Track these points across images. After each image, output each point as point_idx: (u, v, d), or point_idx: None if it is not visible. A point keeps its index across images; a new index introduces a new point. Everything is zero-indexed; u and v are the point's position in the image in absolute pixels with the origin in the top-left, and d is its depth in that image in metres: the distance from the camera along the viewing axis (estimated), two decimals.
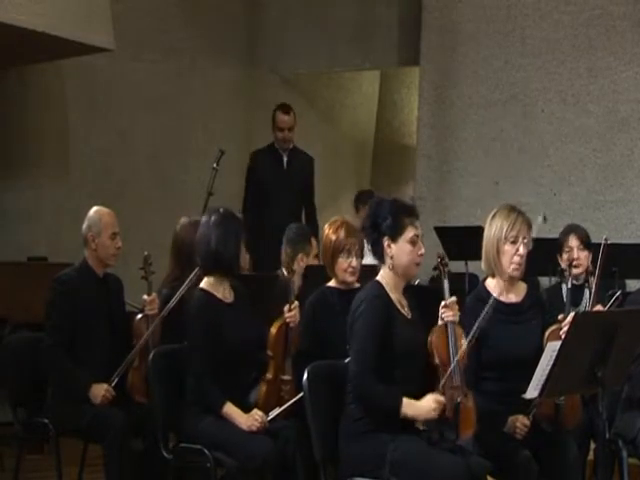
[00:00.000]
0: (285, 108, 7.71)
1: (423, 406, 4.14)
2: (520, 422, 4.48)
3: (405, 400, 4.13)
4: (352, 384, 4.19)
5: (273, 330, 4.84)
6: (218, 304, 4.71)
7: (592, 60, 8.82)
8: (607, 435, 4.54)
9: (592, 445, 5.20)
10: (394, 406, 4.13)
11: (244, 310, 4.79)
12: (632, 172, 8.46)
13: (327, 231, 5.04)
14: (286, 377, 4.83)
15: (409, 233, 4.26)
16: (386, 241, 4.27)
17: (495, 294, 4.64)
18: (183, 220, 5.54)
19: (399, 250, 4.26)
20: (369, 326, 4.18)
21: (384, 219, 4.28)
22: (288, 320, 4.86)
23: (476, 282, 5.46)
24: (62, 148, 8.81)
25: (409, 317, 4.32)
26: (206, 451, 4.51)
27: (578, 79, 8.84)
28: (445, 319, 4.32)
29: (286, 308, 4.89)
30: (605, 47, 8.73)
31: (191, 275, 5.17)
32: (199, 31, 9.74)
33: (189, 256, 5.19)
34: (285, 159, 7.93)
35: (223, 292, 4.76)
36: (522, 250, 4.58)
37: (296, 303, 4.91)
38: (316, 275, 5.27)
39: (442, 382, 4.27)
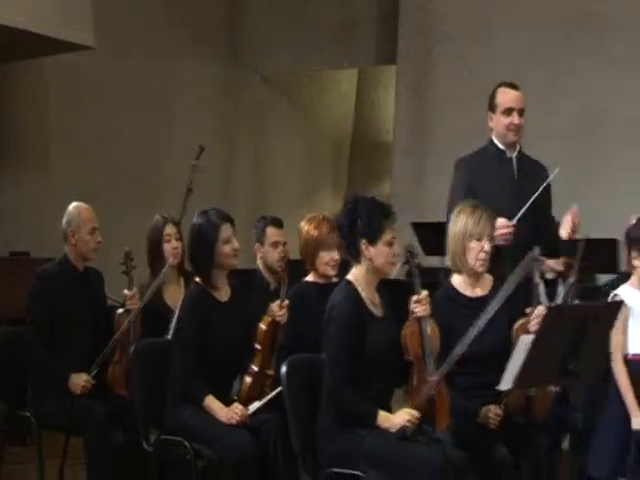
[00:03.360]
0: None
1: (397, 422, 4.14)
2: (493, 412, 4.49)
3: (380, 414, 4.15)
4: (328, 394, 4.20)
5: (263, 326, 4.82)
6: (211, 300, 4.68)
7: (564, 60, 8.89)
8: (579, 425, 4.57)
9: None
10: (368, 419, 4.14)
11: (237, 310, 4.76)
12: (600, 169, 8.58)
13: (308, 227, 5.04)
14: (270, 372, 4.82)
15: (387, 236, 4.24)
16: (363, 243, 4.24)
17: (461, 290, 4.69)
18: (156, 218, 5.52)
19: (377, 252, 4.25)
20: (342, 334, 4.17)
21: (362, 220, 4.24)
22: (278, 319, 4.84)
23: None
24: (44, 145, 8.80)
25: (380, 315, 4.32)
26: (186, 443, 4.49)
27: (551, 78, 8.90)
28: (416, 314, 4.31)
29: (275, 306, 4.86)
30: (577, 47, 8.81)
31: (163, 270, 5.20)
32: (181, 31, 9.75)
33: (159, 252, 5.26)
34: None
35: (219, 290, 4.73)
36: (487, 247, 4.60)
37: (286, 302, 4.88)
38: (296, 270, 5.26)
39: (416, 376, 4.28)
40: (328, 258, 4.96)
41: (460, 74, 9.33)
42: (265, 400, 4.68)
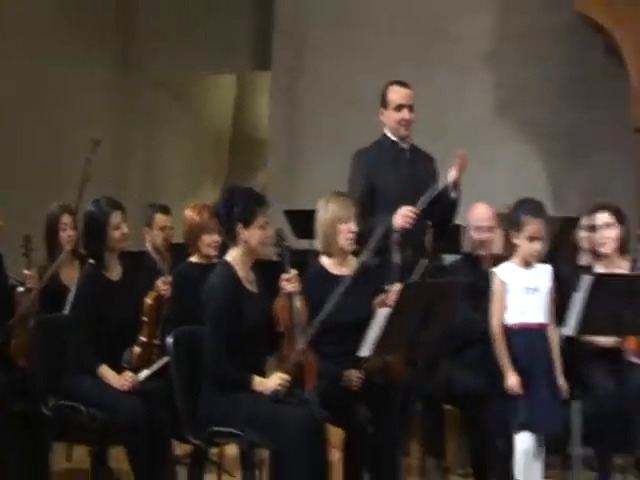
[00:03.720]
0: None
1: (270, 385, 4.12)
2: (355, 376, 4.53)
3: (255, 379, 4.14)
4: (209, 362, 4.17)
5: (149, 300, 4.77)
6: (104, 280, 4.63)
7: (418, 68, 9.03)
8: (428, 386, 4.63)
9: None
10: (245, 384, 4.13)
11: (127, 287, 4.70)
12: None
13: (191, 213, 5.03)
14: (156, 342, 4.77)
15: (260, 220, 4.25)
16: (239, 227, 4.24)
17: (329, 269, 4.73)
18: (53, 206, 5.42)
19: (251, 235, 4.24)
20: (220, 310, 4.15)
21: (238, 207, 4.25)
22: (163, 293, 4.80)
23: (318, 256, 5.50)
24: None
25: (255, 292, 4.31)
26: (82, 408, 4.42)
27: (413, 82, 9.02)
28: (287, 290, 4.31)
29: (160, 282, 4.82)
30: (430, 56, 8.96)
31: (60, 255, 5.12)
32: (72, 33, 9.45)
33: (56, 239, 5.21)
34: None
35: (110, 270, 4.67)
36: (354, 227, 4.66)
37: (169, 278, 4.85)
38: (179, 252, 5.25)
39: (286, 345, 4.29)
40: (210, 240, 4.95)
41: (328, 80, 9.41)
42: (153, 368, 4.63)
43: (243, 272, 4.28)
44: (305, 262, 6.02)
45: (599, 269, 5.13)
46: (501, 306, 4.40)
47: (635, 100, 7.39)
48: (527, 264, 4.42)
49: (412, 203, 4.87)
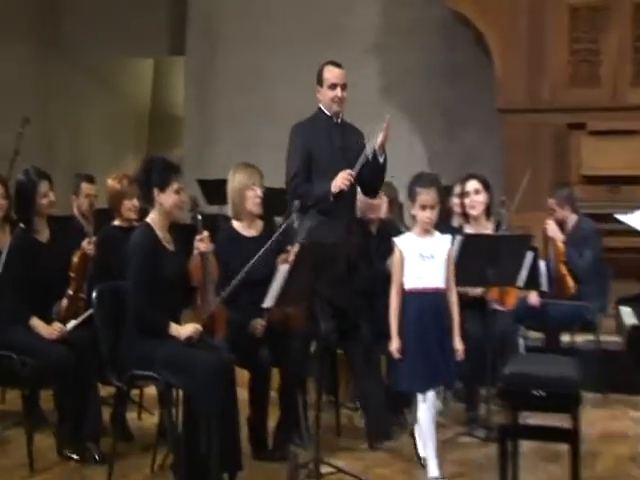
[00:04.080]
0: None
1: (185, 332, 4.10)
2: (259, 324, 4.57)
3: (172, 326, 4.11)
4: (131, 311, 4.13)
5: (75, 258, 4.72)
6: (33, 242, 4.57)
7: (317, 56, 9.03)
8: (323, 333, 4.67)
9: None
10: (162, 330, 4.09)
11: (55, 248, 4.64)
12: None
13: (112, 182, 4.95)
14: (82, 295, 4.71)
15: (174, 186, 4.20)
16: (156, 191, 4.20)
17: (239, 231, 4.73)
18: None
19: (166, 198, 4.20)
20: (141, 264, 4.11)
21: (155, 174, 4.20)
22: (88, 252, 4.75)
23: (228, 220, 5.50)
24: None
25: (172, 250, 4.27)
26: (14, 356, 4.35)
27: (309, 69, 9.05)
28: (200, 250, 4.30)
29: (85, 243, 4.77)
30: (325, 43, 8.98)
31: None
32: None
33: None
34: None
35: (39, 233, 4.61)
36: (259, 192, 4.69)
37: (94, 239, 4.81)
38: (104, 217, 5.18)
39: (199, 298, 4.29)
40: (130, 205, 4.88)
41: (235, 65, 9.38)
42: (80, 319, 4.58)
43: (161, 232, 4.24)
44: (216, 225, 6.01)
45: (469, 230, 5.26)
46: (399, 273, 4.25)
47: (499, 84, 7.54)
48: (425, 233, 4.26)
49: (343, 169, 4.81)
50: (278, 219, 6.16)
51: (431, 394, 4.21)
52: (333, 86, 4.95)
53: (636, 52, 7.36)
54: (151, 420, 5.06)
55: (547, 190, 7.19)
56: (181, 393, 4.14)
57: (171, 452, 4.19)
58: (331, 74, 4.97)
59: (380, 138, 4.82)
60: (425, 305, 4.18)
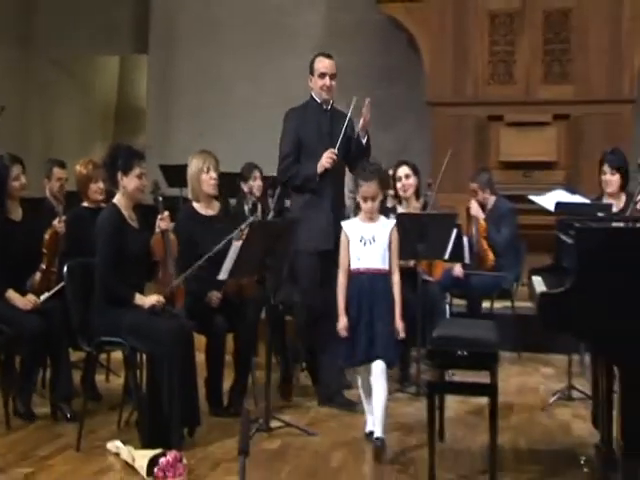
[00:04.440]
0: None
1: (148, 302, 4.02)
2: (215, 296, 4.49)
3: (137, 296, 4.02)
4: (99, 282, 4.03)
5: (47, 236, 4.61)
6: (6, 221, 4.43)
7: (268, 55, 8.99)
8: (273, 301, 4.64)
9: None
10: (128, 300, 4.01)
11: (27, 226, 4.51)
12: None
13: (80, 167, 4.83)
14: (54, 269, 4.60)
15: (137, 170, 4.10)
16: (120, 175, 4.10)
17: (199, 210, 4.64)
18: None
19: (129, 182, 4.10)
20: (108, 240, 4.02)
21: (120, 159, 4.11)
22: (58, 230, 4.64)
23: (187, 201, 5.41)
24: None
25: (137, 228, 4.18)
26: None
27: (260, 67, 9.01)
28: (161, 228, 4.22)
29: (56, 221, 4.65)
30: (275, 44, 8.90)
31: None
32: None
33: None
34: None
35: (12, 213, 4.47)
36: (213, 175, 4.59)
37: (64, 217, 4.69)
38: (74, 199, 5.05)
39: (161, 272, 4.22)
40: (95, 187, 4.77)
41: (194, 62, 9.26)
42: (52, 291, 4.47)
43: (126, 212, 4.15)
44: (176, 206, 5.90)
45: (401, 210, 5.26)
46: (345, 255, 4.04)
47: (428, 81, 7.54)
48: (369, 219, 4.04)
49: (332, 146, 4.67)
50: (232, 200, 6.08)
51: (370, 365, 3.95)
52: (322, 75, 4.77)
53: (546, 54, 7.42)
54: (118, 382, 4.97)
55: (470, 174, 7.24)
56: (145, 357, 4.05)
57: (136, 410, 4.12)
58: (321, 64, 4.79)
59: (361, 121, 4.67)
60: (364, 285, 3.98)
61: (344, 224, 4.10)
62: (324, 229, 4.63)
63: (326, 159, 4.64)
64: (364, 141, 4.74)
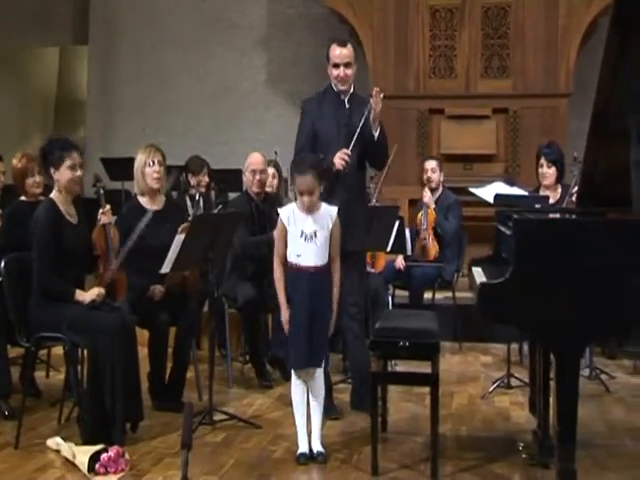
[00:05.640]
0: None
1: (88, 296, 3.96)
2: (157, 290, 4.43)
3: (77, 291, 3.95)
4: (36, 279, 3.93)
5: None
6: None
7: (211, 48, 8.91)
8: (216, 294, 4.60)
9: None
10: (68, 295, 3.94)
11: None
12: (231, 122, 8.66)
13: (16, 161, 4.69)
14: None
15: (68, 162, 4.01)
16: (52, 169, 4.03)
17: (144, 204, 4.57)
18: None
19: (61, 175, 4.02)
20: (44, 237, 3.93)
21: (51, 154, 4.02)
22: None
23: (130, 196, 5.33)
24: None
25: (75, 223, 4.10)
26: None
27: (203, 59, 8.95)
28: (102, 222, 4.16)
29: None
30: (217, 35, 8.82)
31: None
32: None
33: None
34: None
35: None
36: (157, 168, 4.53)
37: (0, 212, 4.59)
38: (12, 192, 4.92)
39: (102, 265, 4.15)
40: (32, 181, 4.63)
41: (134, 55, 9.11)
42: None
43: (64, 207, 4.06)
44: (118, 199, 5.81)
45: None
46: (282, 246, 3.76)
47: (371, 74, 7.55)
48: (309, 210, 3.75)
49: (346, 145, 4.34)
50: (174, 193, 6.01)
51: (310, 370, 3.74)
52: (336, 65, 4.41)
53: (485, 48, 7.51)
54: (59, 377, 4.88)
55: (413, 167, 7.28)
56: (86, 352, 3.97)
57: (77, 406, 4.04)
58: (333, 54, 4.39)
59: (372, 113, 4.33)
60: (303, 284, 3.70)
61: (282, 212, 3.78)
62: None
63: (339, 161, 4.29)
64: (376, 134, 4.36)
